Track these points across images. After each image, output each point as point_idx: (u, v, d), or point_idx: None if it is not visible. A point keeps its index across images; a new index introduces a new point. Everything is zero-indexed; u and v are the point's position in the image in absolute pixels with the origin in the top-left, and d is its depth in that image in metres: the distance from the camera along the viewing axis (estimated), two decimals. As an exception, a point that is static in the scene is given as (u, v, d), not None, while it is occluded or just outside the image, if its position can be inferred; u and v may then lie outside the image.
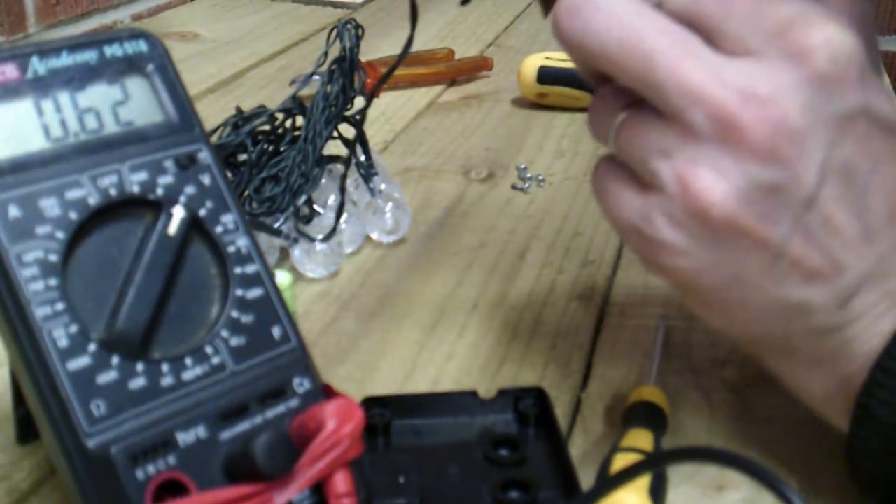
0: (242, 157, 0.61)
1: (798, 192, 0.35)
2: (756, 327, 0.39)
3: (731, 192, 0.35)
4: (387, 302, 0.57)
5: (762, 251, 0.36)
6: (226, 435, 0.34)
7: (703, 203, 0.36)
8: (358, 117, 0.62)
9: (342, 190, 0.60)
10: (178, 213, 0.35)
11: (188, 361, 0.34)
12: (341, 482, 0.34)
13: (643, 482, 0.38)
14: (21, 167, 0.34)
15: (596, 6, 0.37)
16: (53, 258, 0.33)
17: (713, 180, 0.36)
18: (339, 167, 0.64)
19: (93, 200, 0.34)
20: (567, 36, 0.38)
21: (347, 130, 0.63)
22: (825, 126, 0.35)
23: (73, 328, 0.33)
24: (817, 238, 0.36)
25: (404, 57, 0.60)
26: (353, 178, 0.65)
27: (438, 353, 0.52)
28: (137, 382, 0.33)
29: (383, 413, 0.44)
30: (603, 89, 0.40)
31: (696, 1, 0.37)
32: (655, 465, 0.38)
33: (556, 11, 0.38)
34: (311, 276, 0.59)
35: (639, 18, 0.37)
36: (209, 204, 0.37)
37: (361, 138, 0.64)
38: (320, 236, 0.59)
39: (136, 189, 0.35)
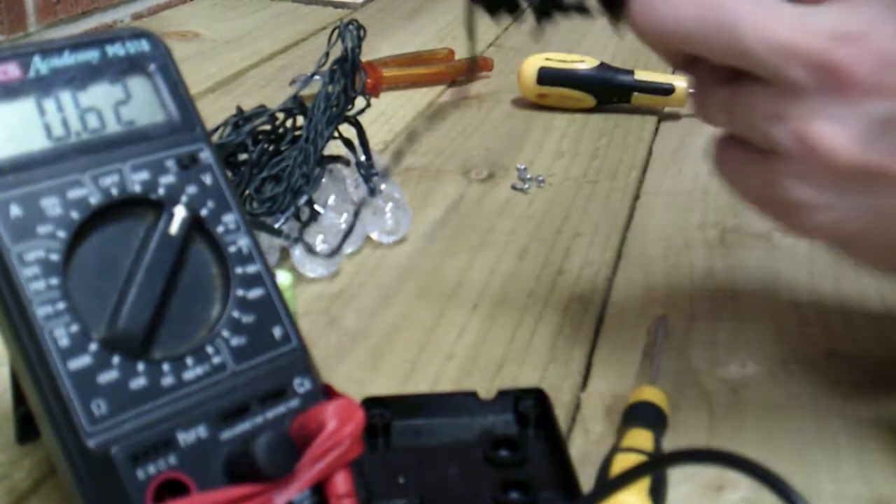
0: (243, 156, 0.61)
1: None
2: None
3: (853, 137, 0.35)
4: (387, 302, 0.57)
5: None
6: (226, 435, 0.34)
7: (828, 155, 0.35)
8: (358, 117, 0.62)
9: (355, 214, 0.59)
10: (180, 212, 0.35)
11: (189, 361, 0.34)
12: (342, 482, 0.34)
13: (643, 482, 0.38)
14: (23, 166, 0.34)
15: None
16: (55, 257, 0.33)
17: (832, 130, 0.35)
18: (340, 167, 0.64)
19: (94, 200, 0.34)
20: (648, 31, 0.38)
21: (347, 130, 0.63)
22: None
23: (74, 328, 0.33)
24: None
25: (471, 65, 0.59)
26: (352, 179, 0.65)
27: (438, 353, 0.52)
28: (138, 382, 0.33)
29: (383, 413, 0.44)
30: (699, 72, 0.39)
31: None
32: (656, 468, 0.38)
33: (631, 13, 0.38)
34: (311, 275, 0.59)
35: None
36: (210, 204, 0.37)
37: (362, 138, 0.64)
38: (321, 237, 0.58)
39: (137, 189, 0.35)
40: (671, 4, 0.37)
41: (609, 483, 0.33)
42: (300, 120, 0.62)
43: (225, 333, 0.35)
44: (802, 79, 0.35)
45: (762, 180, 0.38)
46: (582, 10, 0.46)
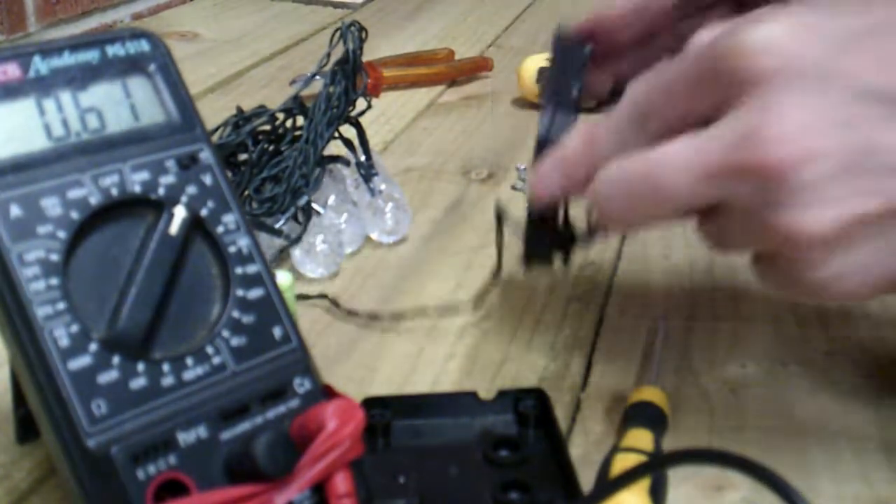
0: (243, 156, 0.61)
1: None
2: None
3: (823, 207, 0.35)
4: (387, 302, 0.57)
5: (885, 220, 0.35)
6: (226, 435, 0.34)
7: (817, 237, 0.35)
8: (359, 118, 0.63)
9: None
10: (180, 212, 0.35)
11: (189, 361, 0.34)
12: (342, 483, 0.34)
13: (643, 482, 0.38)
14: (23, 166, 0.34)
15: (598, 191, 0.40)
16: (55, 258, 0.33)
17: (801, 216, 0.35)
18: (340, 167, 0.64)
19: (94, 200, 0.34)
20: (614, 225, 0.42)
21: (347, 130, 0.63)
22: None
23: (74, 328, 0.33)
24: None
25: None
26: (353, 178, 0.65)
27: (438, 353, 0.52)
28: (138, 382, 0.33)
29: (383, 413, 0.44)
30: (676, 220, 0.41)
31: (635, 105, 0.39)
32: (656, 468, 0.38)
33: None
34: (311, 276, 0.59)
35: (622, 171, 0.39)
36: (210, 204, 0.37)
37: (362, 139, 0.64)
38: (321, 237, 0.58)
39: (137, 189, 0.35)
40: (612, 204, 0.40)
41: (609, 483, 0.33)
42: (300, 120, 0.62)
43: (225, 333, 0.35)
44: (740, 194, 0.36)
45: (787, 279, 0.38)
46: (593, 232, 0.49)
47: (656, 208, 0.39)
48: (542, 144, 0.48)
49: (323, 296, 0.56)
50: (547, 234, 0.50)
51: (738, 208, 0.37)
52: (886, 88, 0.35)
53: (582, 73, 0.50)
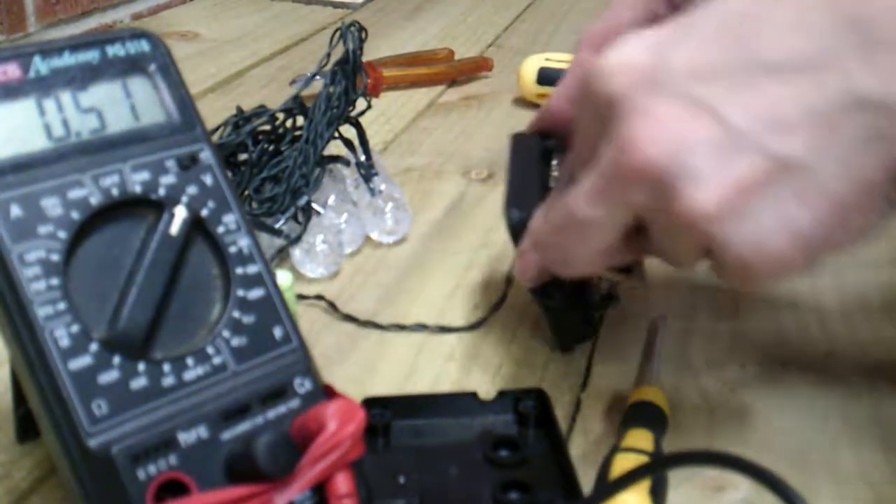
0: (243, 156, 0.61)
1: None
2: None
3: (708, 193, 0.37)
4: (387, 302, 0.57)
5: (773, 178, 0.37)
6: (227, 435, 0.34)
7: (709, 211, 0.37)
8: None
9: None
10: (180, 213, 0.36)
11: (189, 361, 0.34)
12: (342, 483, 0.34)
13: (644, 482, 0.38)
14: (23, 167, 0.34)
15: (536, 244, 0.46)
16: (55, 258, 0.33)
17: (697, 202, 0.37)
18: (340, 167, 0.64)
19: (94, 200, 0.34)
20: (563, 269, 0.45)
21: (347, 130, 0.63)
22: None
23: (75, 328, 0.33)
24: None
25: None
26: (353, 178, 0.65)
27: (438, 353, 0.52)
28: (139, 382, 0.33)
29: (383, 413, 0.44)
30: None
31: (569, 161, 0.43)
32: (655, 470, 0.38)
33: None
34: (311, 276, 0.59)
35: (548, 218, 0.44)
36: (211, 204, 0.37)
37: (362, 138, 0.64)
38: (321, 237, 0.59)
39: (137, 189, 0.35)
40: (550, 259, 0.45)
41: (609, 486, 0.34)
42: (300, 120, 0.62)
43: (225, 334, 0.35)
44: (640, 202, 0.39)
45: (722, 268, 0.41)
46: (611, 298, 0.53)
47: (586, 242, 0.42)
48: (516, 232, 0.49)
49: (320, 297, 0.56)
50: (573, 320, 0.51)
51: (651, 218, 0.40)
52: (719, 63, 0.38)
53: (540, 159, 0.52)
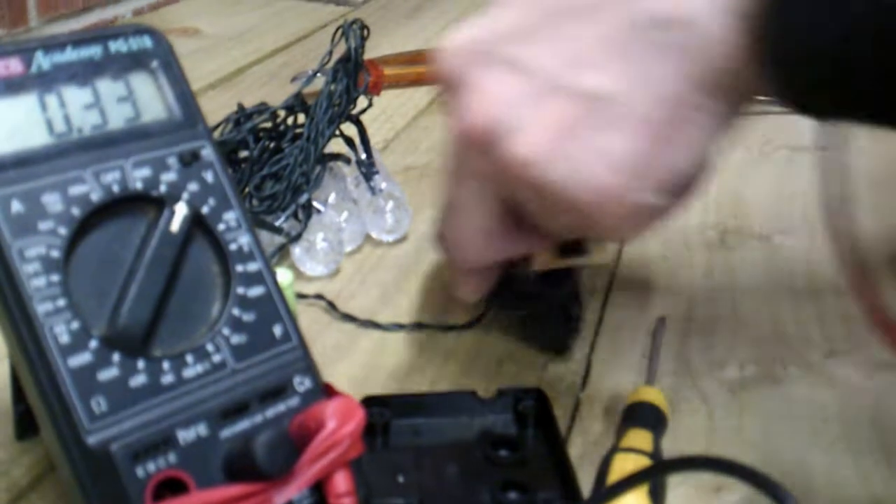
0: (243, 154, 0.61)
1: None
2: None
3: (529, 138, 0.39)
4: (387, 300, 0.57)
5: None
6: (226, 433, 0.34)
7: (538, 153, 0.39)
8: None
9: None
10: (181, 210, 0.35)
11: (189, 359, 0.34)
12: (341, 482, 0.34)
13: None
14: (24, 162, 0.33)
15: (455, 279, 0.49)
16: (55, 254, 0.33)
17: (521, 149, 0.39)
18: (340, 165, 0.64)
19: (95, 196, 0.34)
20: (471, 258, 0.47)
21: (348, 128, 0.63)
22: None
23: (75, 324, 0.33)
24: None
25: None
26: (353, 177, 0.65)
27: (438, 352, 0.52)
28: (138, 380, 0.33)
29: (383, 412, 0.44)
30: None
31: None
32: (653, 476, 0.38)
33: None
34: (311, 274, 0.59)
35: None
36: (212, 201, 0.37)
37: (363, 137, 0.64)
38: (321, 235, 0.58)
39: (139, 185, 0.35)
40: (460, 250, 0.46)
41: (606, 491, 0.34)
42: (301, 118, 0.62)
43: (225, 331, 0.35)
44: (480, 168, 0.42)
45: (563, 217, 0.41)
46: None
47: (464, 224, 0.44)
48: None
49: (320, 297, 0.56)
50: (551, 318, 0.51)
51: (506, 188, 0.42)
52: (526, 22, 0.40)
53: None
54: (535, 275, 0.49)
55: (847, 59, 0.33)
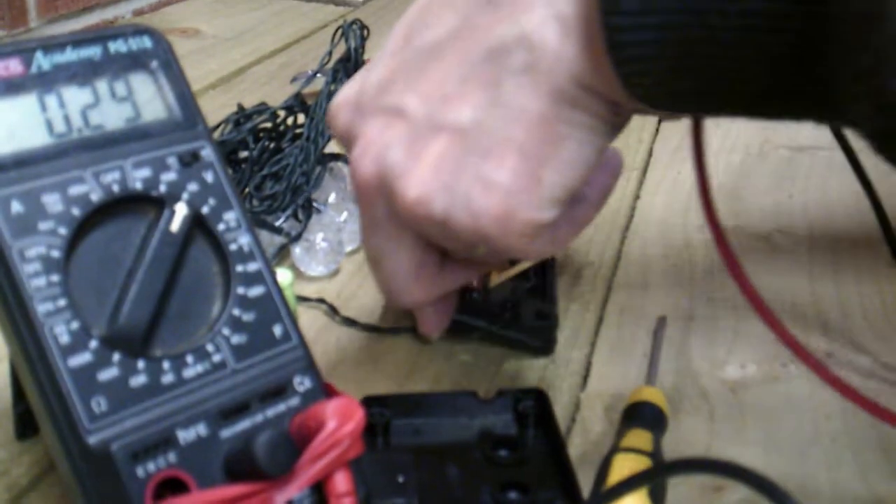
0: (243, 154, 0.61)
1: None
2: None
3: (413, 180, 0.41)
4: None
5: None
6: (226, 433, 0.34)
7: (420, 194, 0.41)
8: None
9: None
10: (181, 210, 0.35)
11: (189, 359, 0.34)
12: (341, 481, 0.34)
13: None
14: (24, 162, 0.33)
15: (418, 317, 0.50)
16: (55, 254, 0.33)
17: (409, 192, 0.41)
18: (340, 165, 0.64)
19: (95, 197, 0.34)
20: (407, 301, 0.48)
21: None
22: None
23: (75, 325, 0.33)
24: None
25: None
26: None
27: (438, 352, 0.52)
28: (138, 380, 0.33)
29: (383, 412, 0.44)
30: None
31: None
32: (653, 479, 0.38)
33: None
34: (311, 274, 0.59)
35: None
36: (212, 201, 0.37)
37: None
38: (321, 235, 0.58)
39: (138, 186, 0.35)
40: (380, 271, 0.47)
41: (605, 493, 0.34)
42: (301, 118, 0.62)
43: (225, 331, 0.35)
44: (381, 212, 0.44)
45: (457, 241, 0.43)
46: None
47: (388, 271, 0.45)
48: None
49: (321, 300, 0.56)
50: (524, 326, 0.52)
51: (406, 229, 0.43)
52: (398, 68, 0.42)
53: None
54: (489, 291, 0.51)
55: (664, 56, 0.34)
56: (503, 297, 0.52)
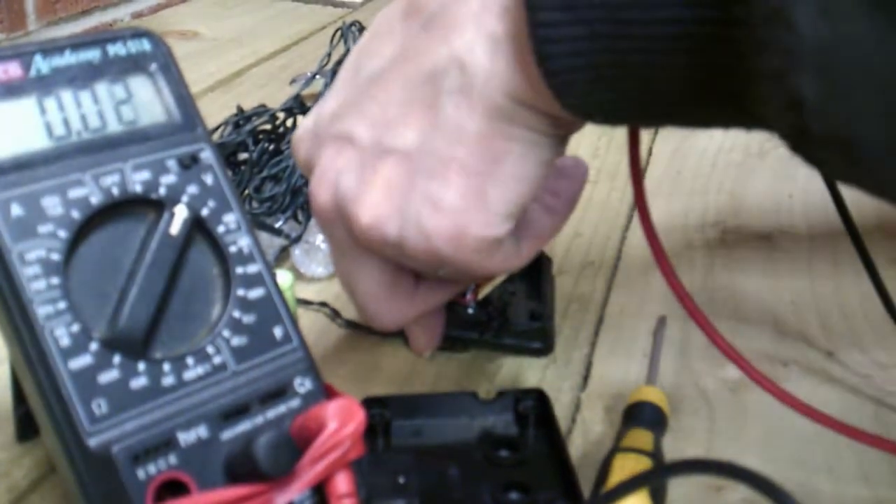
0: (243, 156, 0.61)
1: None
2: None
3: (367, 203, 0.42)
4: (387, 302, 0.57)
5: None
6: (227, 435, 0.34)
7: (374, 215, 0.42)
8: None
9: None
10: (181, 212, 0.35)
11: (189, 361, 0.34)
12: (342, 483, 0.34)
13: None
14: (23, 166, 0.34)
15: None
16: (55, 257, 0.33)
17: (362, 215, 0.42)
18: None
19: (95, 199, 0.34)
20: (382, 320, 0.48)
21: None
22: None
23: (75, 327, 0.33)
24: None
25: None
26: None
27: (438, 354, 0.52)
28: (139, 382, 0.33)
29: (383, 413, 0.44)
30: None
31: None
32: (653, 480, 0.38)
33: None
34: (311, 275, 0.59)
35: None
36: (211, 204, 0.37)
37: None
38: (321, 237, 0.59)
39: (138, 188, 0.35)
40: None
41: (605, 495, 0.34)
42: (300, 119, 0.62)
43: (225, 333, 0.35)
44: (341, 239, 0.44)
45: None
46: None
47: (364, 294, 0.46)
48: None
49: (324, 304, 0.56)
50: (516, 330, 0.52)
51: (369, 253, 0.44)
52: (348, 96, 0.43)
53: None
54: (480, 302, 0.51)
55: (590, 66, 0.35)
56: (491, 305, 0.52)
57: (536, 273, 0.55)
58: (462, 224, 0.40)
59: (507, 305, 0.52)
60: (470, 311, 0.51)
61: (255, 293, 0.36)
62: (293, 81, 0.90)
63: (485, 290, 0.51)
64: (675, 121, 0.37)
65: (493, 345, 0.51)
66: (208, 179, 0.37)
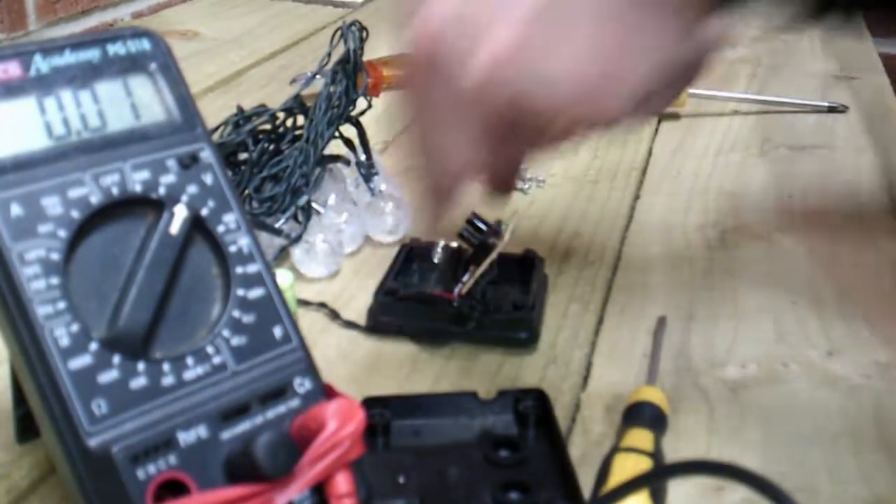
0: (243, 156, 0.61)
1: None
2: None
3: (498, 37, 0.40)
4: (387, 302, 0.57)
5: None
6: (227, 435, 0.34)
7: (509, 48, 0.40)
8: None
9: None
10: (180, 212, 0.35)
11: (189, 361, 0.34)
12: (342, 483, 0.34)
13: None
14: (23, 165, 0.33)
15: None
16: (55, 257, 0.33)
17: (495, 48, 0.40)
18: (340, 167, 0.64)
19: (95, 199, 0.34)
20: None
21: (347, 129, 0.63)
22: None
23: (75, 327, 0.33)
24: None
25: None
26: (353, 178, 0.65)
27: (438, 353, 0.52)
28: (139, 382, 0.33)
29: (383, 413, 0.44)
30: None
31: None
32: (654, 480, 0.38)
33: None
34: (311, 275, 0.59)
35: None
36: (211, 203, 0.37)
37: (362, 138, 0.64)
38: (321, 236, 0.59)
39: (138, 188, 0.35)
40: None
41: (605, 496, 0.34)
42: (300, 119, 0.62)
43: (225, 333, 0.35)
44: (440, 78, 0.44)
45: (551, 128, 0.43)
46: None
47: (452, 132, 0.44)
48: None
49: (322, 304, 0.56)
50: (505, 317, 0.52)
51: (468, 94, 0.42)
52: None
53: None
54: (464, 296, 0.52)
55: None
56: (475, 299, 0.52)
57: (528, 271, 0.55)
58: (590, 76, 0.39)
59: (492, 300, 0.52)
60: (455, 304, 0.51)
61: (255, 293, 0.36)
62: (293, 81, 0.90)
63: (468, 285, 0.51)
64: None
65: (476, 337, 0.51)
66: (208, 179, 0.37)
